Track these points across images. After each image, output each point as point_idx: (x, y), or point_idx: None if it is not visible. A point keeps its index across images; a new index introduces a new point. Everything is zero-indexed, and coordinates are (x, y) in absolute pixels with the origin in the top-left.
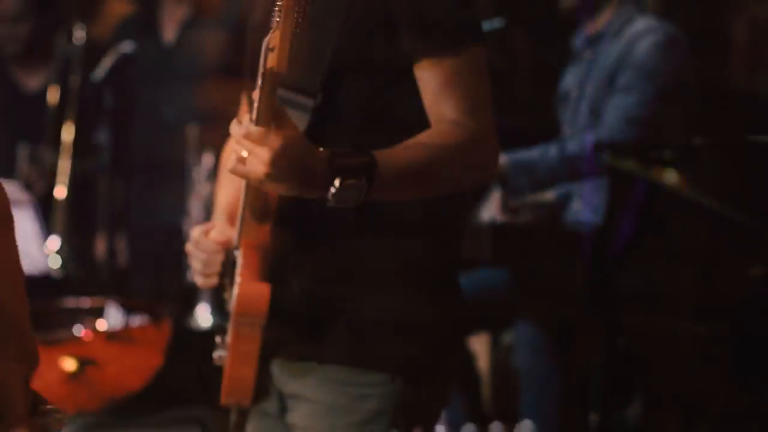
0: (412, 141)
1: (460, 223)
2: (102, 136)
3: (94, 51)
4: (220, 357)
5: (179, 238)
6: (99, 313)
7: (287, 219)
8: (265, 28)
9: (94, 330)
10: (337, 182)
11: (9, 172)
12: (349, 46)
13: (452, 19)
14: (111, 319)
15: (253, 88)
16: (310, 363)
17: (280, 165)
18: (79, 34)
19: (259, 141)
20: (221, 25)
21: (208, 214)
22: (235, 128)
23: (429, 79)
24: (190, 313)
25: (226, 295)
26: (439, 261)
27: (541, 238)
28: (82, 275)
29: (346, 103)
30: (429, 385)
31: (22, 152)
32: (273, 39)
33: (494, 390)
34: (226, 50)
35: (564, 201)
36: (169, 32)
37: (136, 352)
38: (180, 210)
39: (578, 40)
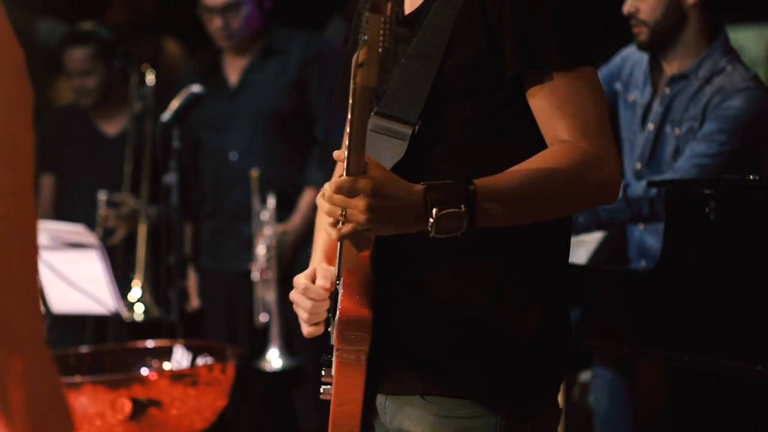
0: (519, 166)
1: (566, 251)
2: (170, 178)
3: (163, 94)
4: (325, 390)
5: (247, 280)
6: (165, 354)
7: (388, 245)
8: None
9: (160, 371)
10: (434, 213)
11: (91, 219)
12: (453, 73)
13: (561, 38)
14: (177, 360)
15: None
16: (413, 396)
17: (377, 209)
18: (150, 78)
19: (351, 191)
20: (284, 69)
21: (273, 255)
22: (326, 187)
23: (540, 103)
24: (260, 355)
25: (330, 329)
26: (546, 292)
27: (605, 277)
28: (154, 318)
29: (452, 129)
30: (534, 420)
31: (101, 198)
32: (361, 54)
33: (568, 428)
34: (288, 94)
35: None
36: (233, 76)
37: (201, 393)
38: (247, 252)
39: (647, 75)
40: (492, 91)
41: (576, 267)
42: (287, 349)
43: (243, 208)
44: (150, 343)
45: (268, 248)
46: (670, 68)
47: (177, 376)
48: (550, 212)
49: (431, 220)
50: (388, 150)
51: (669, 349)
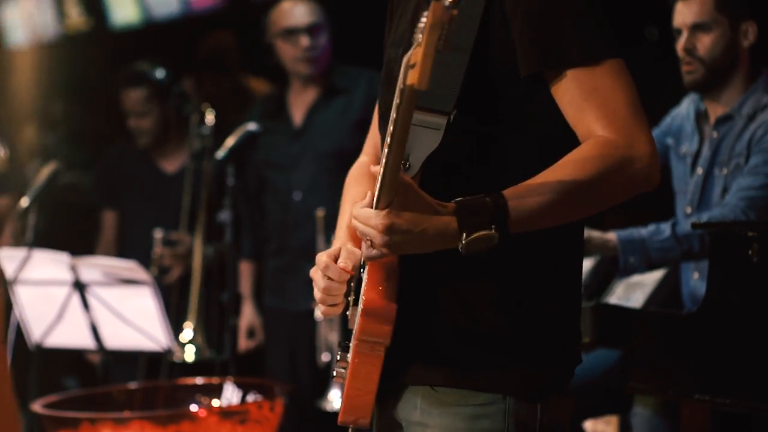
0: (548, 171)
1: (580, 243)
2: (225, 215)
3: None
4: (338, 374)
5: (310, 319)
6: (215, 391)
7: None
8: (404, 45)
9: (209, 407)
10: (463, 237)
11: (150, 256)
12: (484, 63)
13: (581, 32)
14: (227, 397)
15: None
16: (423, 386)
17: (406, 235)
18: (210, 118)
19: (381, 220)
20: (348, 108)
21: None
22: (355, 211)
23: (566, 97)
24: (322, 395)
25: (349, 313)
26: (557, 285)
27: (649, 320)
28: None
29: (485, 118)
30: (546, 407)
31: (157, 236)
32: (415, 55)
33: None
34: (352, 133)
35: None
36: (298, 115)
37: (250, 430)
38: (311, 292)
39: (696, 115)
40: (522, 82)
41: (623, 310)
42: None
43: (307, 247)
44: (200, 380)
45: None
46: (716, 111)
47: (226, 413)
48: (585, 212)
49: (461, 243)
50: (422, 140)
51: (712, 394)
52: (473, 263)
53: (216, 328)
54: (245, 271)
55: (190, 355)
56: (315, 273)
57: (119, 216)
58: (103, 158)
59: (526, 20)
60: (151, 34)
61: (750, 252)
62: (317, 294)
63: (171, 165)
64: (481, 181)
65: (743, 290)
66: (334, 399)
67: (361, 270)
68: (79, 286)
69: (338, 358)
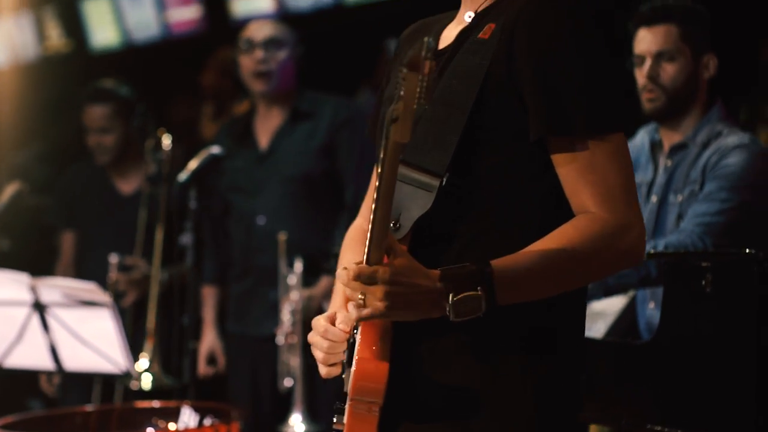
0: (541, 241)
1: (584, 308)
2: (186, 238)
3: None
4: None
5: (273, 345)
6: (172, 414)
7: None
8: (391, 101)
9: (166, 431)
10: (450, 298)
11: (103, 280)
12: (482, 126)
13: (591, 103)
14: (184, 421)
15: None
16: None
17: (395, 298)
18: (166, 143)
19: (370, 279)
20: (314, 133)
21: (299, 320)
22: (343, 273)
23: (564, 167)
24: (283, 420)
25: (344, 376)
26: (556, 352)
27: (603, 349)
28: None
29: (479, 182)
30: None
31: (112, 261)
32: (396, 109)
33: None
34: (318, 158)
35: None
36: (264, 139)
37: None
38: (273, 317)
39: (651, 145)
40: (519, 146)
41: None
42: (310, 415)
43: (270, 272)
44: (157, 404)
45: (294, 313)
46: (671, 140)
47: None
48: (571, 286)
49: (448, 305)
50: (414, 201)
51: (664, 424)
52: (475, 331)
53: (176, 352)
54: (207, 296)
55: (146, 383)
56: (313, 337)
57: (77, 237)
58: (61, 177)
59: (538, 83)
60: (130, 57)
61: (703, 282)
62: (318, 355)
63: (128, 186)
64: (471, 248)
65: (697, 320)
66: (295, 424)
67: (355, 332)
68: (39, 307)
69: (334, 420)
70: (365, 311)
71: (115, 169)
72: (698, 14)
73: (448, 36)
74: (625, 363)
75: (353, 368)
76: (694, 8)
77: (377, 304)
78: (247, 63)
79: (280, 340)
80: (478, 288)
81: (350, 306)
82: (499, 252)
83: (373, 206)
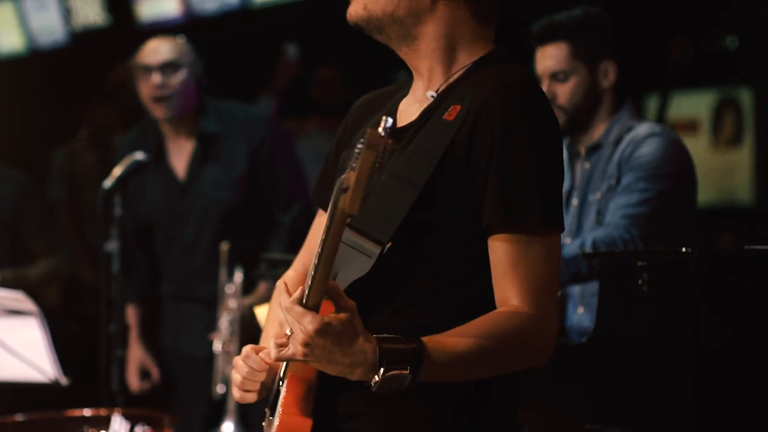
0: (466, 327)
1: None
2: (112, 246)
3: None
4: None
5: (209, 353)
6: (103, 422)
7: None
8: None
9: None
10: (381, 372)
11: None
12: (432, 204)
13: (543, 199)
14: (114, 429)
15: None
16: None
17: (316, 350)
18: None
19: (300, 321)
20: (232, 164)
21: (237, 329)
22: (283, 299)
23: (498, 255)
24: (215, 427)
25: (264, 424)
26: (491, 414)
27: None
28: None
29: (420, 256)
30: None
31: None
32: (347, 179)
33: None
34: (240, 189)
35: (561, 308)
36: (180, 167)
37: None
38: (210, 326)
39: (568, 153)
40: (462, 227)
41: None
42: (242, 423)
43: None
44: (88, 412)
45: (232, 322)
46: (585, 144)
47: None
48: (486, 374)
49: (377, 377)
50: (353, 263)
51: (602, 423)
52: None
53: (104, 360)
54: (131, 314)
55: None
56: (237, 360)
57: None
58: None
59: (497, 174)
60: (36, 63)
61: (640, 282)
62: (236, 378)
63: None
64: (395, 313)
65: (634, 320)
66: (227, 431)
67: (280, 383)
68: None
69: None
70: (284, 353)
71: None
72: (590, 24)
73: (408, 112)
74: (562, 363)
75: (277, 422)
76: (585, 19)
77: (297, 348)
78: (145, 89)
79: (217, 347)
80: (408, 367)
81: (271, 343)
82: (423, 323)
83: (313, 267)
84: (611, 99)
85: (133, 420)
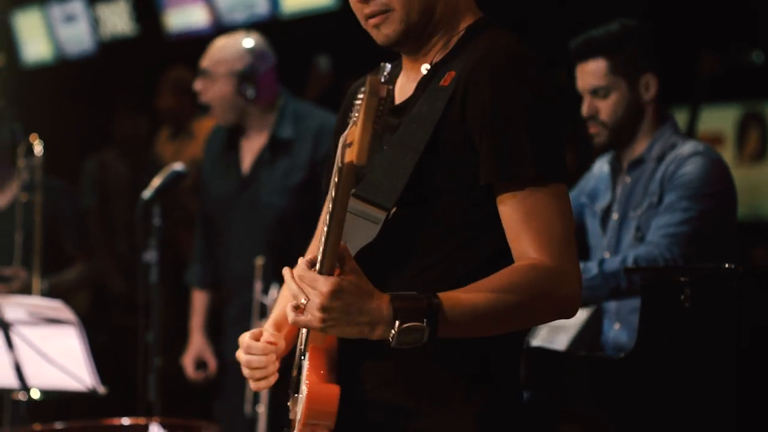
0: (484, 281)
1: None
2: (150, 255)
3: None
4: None
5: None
6: (141, 431)
7: None
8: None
9: None
10: (396, 325)
11: None
12: (432, 167)
13: (537, 152)
14: None
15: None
16: None
17: (333, 313)
18: (38, 149)
19: (311, 286)
20: (293, 169)
21: None
22: (295, 269)
23: (509, 213)
24: None
25: (289, 404)
26: (503, 383)
27: (579, 363)
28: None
29: (424, 220)
30: None
31: None
32: (350, 134)
33: None
34: (296, 197)
35: (597, 322)
36: (246, 161)
37: None
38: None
39: (611, 167)
40: (466, 189)
41: (552, 353)
42: None
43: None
44: (126, 421)
45: None
46: (628, 159)
47: None
48: (509, 328)
49: (393, 331)
50: (360, 231)
51: None
52: (426, 356)
53: (141, 369)
54: (197, 300)
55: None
56: (239, 353)
57: None
58: None
59: (490, 133)
60: (63, 71)
61: (682, 297)
62: (245, 371)
63: (2, 198)
64: (411, 279)
65: (675, 336)
66: None
67: (302, 357)
68: (3, 326)
69: None
70: (301, 318)
71: None
72: (628, 38)
73: (404, 89)
74: (602, 378)
75: (304, 392)
76: (622, 32)
77: (315, 314)
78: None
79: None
80: (424, 320)
81: (288, 307)
82: (441, 288)
83: (325, 230)
84: (653, 112)
85: (171, 429)
